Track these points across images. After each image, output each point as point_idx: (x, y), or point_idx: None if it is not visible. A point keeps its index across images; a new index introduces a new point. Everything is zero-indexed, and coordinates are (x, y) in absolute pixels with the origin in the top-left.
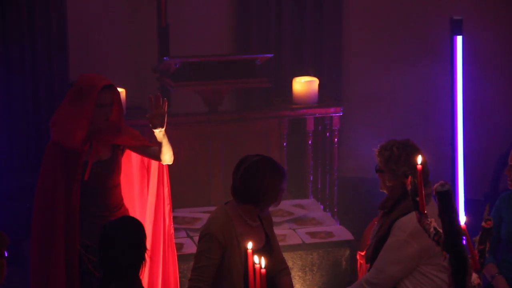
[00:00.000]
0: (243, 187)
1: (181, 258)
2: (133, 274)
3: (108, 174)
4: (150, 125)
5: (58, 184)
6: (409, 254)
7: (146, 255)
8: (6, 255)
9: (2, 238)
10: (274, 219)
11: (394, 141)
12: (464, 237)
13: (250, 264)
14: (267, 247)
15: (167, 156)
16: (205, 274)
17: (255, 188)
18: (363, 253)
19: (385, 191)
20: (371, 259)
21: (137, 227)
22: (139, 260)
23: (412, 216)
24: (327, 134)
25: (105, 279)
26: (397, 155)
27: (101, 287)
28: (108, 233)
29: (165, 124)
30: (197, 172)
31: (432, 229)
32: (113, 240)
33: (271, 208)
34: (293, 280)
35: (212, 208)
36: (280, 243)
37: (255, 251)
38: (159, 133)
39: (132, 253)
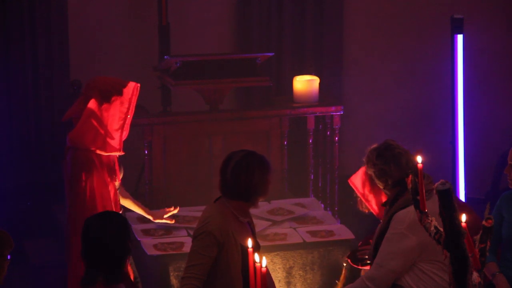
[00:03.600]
0: (234, 184)
1: (182, 257)
2: (120, 266)
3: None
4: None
5: (106, 189)
6: (408, 247)
7: (129, 245)
8: (9, 257)
9: (6, 240)
10: (275, 218)
11: (373, 146)
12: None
13: (250, 263)
14: (256, 243)
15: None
16: (200, 272)
17: (246, 184)
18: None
19: (387, 193)
20: (373, 255)
21: (121, 219)
22: (125, 251)
23: (410, 209)
24: (328, 132)
25: (92, 272)
26: (371, 157)
27: (88, 280)
28: (93, 227)
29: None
30: (197, 171)
31: (432, 228)
32: (99, 233)
33: (261, 202)
34: (293, 279)
35: None
36: (281, 242)
37: (247, 247)
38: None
39: (118, 245)
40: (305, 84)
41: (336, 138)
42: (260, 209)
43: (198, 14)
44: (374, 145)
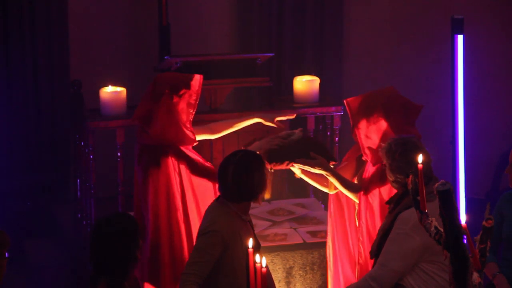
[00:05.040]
0: (237, 188)
1: None
2: (123, 270)
3: None
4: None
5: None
6: (411, 247)
7: (137, 253)
8: (7, 255)
9: (3, 238)
10: (275, 218)
11: (398, 137)
12: (465, 236)
13: (250, 263)
14: (256, 242)
15: None
16: (202, 269)
17: (249, 185)
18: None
19: (393, 187)
20: (375, 254)
21: (128, 223)
22: (130, 257)
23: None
24: (328, 133)
25: (95, 273)
26: (393, 150)
27: (91, 281)
28: (101, 228)
29: None
30: None
31: (433, 228)
32: (103, 236)
33: (262, 202)
34: (293, 279)
35: None
36: (281, 242)
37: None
38: None
39: (122, 250)
40: (305, 84)
41: (337, 139)
42: (260, 209)
43: (198, 14)
44: (398, 137)
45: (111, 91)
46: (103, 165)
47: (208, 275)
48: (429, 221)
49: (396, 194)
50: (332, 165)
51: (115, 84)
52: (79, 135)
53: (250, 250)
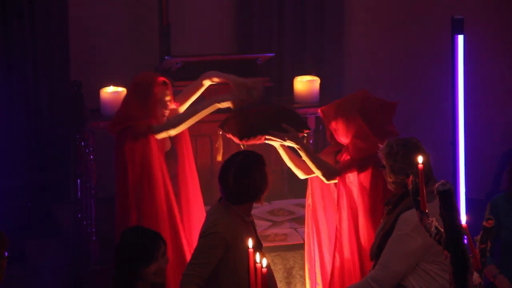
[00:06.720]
0: (239, 191)
1: None
2: (133, 266)
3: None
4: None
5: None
6: (413, 248)
7: (145, 271)
8: (6, 255)
9: (2, 238)
10: (276, 219)
11: (398, 138)
12: (465, 236)
13: (251, 263)
14: (258, 242)
15: None
16: (203, 270)
17: (250, 187)
18: None
19: (390, 188)
20: (375, 255)
21: (149, 231)
22: (143, 256)
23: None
24: (328, 133)
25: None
26: (395, 151)
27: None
28: (123, 242)
29: None
30: (198, 171)
31: (433, 229)
32: (119, 249)
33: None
34: (294, 280)
35: None
36: (282, 243)
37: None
38: None
39: (134, 246)
40: (305, 84)
41: None
42: (261, 210)
43: (199, 14)
44: (397, 138)
45: (111, 91)
46: (104, 165)
47: (210, 276)
48: (430, 221)
49: (394, 194)
50: (305, 133)
51: (115, 84)
52: (79, 135)
53: (251, 250)
